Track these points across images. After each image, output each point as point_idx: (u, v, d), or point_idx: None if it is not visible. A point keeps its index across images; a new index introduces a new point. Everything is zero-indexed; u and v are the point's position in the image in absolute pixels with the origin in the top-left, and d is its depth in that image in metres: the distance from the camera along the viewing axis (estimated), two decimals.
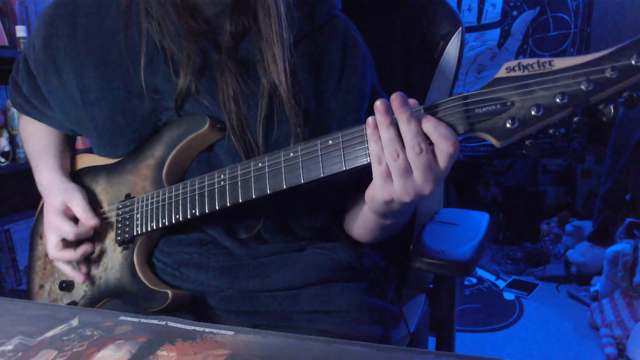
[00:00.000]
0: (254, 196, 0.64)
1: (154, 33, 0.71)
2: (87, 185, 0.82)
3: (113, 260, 0.77)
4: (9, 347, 0.44)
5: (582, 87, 0.46)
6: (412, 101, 0.55)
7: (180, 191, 0.70)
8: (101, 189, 0.80)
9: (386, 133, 0.54)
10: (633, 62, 0.45)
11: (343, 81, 0.74)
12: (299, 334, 0.44)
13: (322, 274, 0.75)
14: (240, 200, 0.65)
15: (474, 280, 2.56)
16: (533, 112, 0.49)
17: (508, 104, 0.50)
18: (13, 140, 2.03)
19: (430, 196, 0.57)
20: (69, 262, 0.78)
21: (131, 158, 0.78)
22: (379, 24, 1.02)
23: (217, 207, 0.67)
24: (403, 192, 0.55)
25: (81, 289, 0.81)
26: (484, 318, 2.20)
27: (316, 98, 0.73)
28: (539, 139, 0.51)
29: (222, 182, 0.67)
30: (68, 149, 0.89)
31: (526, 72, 0.49)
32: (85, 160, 0.86)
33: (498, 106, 0.50)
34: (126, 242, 0.76)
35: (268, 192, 0.63)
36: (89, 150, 0.85)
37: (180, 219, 0.70)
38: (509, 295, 2.40)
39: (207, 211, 0.68)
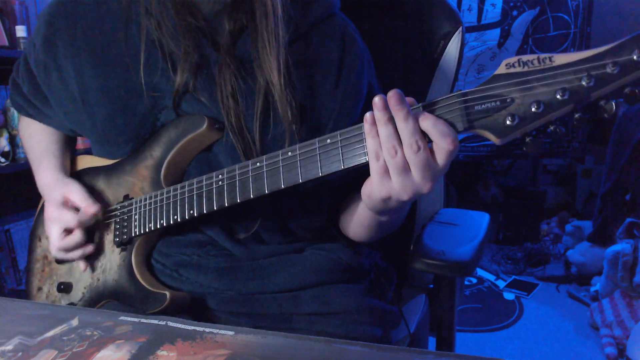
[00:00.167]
0: (252, 196, 0.64)
1: (153, 31, 0.71)
2: (86, 186, 0.82)
3: (111, 261, 0.77)
4: (9, 347, 0.44)
5: (583, 82, 0.46)
6: (409, 99, 0.54)
7: (179, 192, 0.70)
8: (100, 190, 0.80)
9: (384, 129, 0.53)
10: (635, 57, 0.44)
11: (341, 80, 0.74)
12: (299, 334, 0.44)
13: (321, 275, 0.75)
14: (239, 200, 0.65)
15: (474, 280, 2.56)
16: (533, 109, 0.48)
17: (508, 100, 0.49)
18: (13, 140, 2.03)
19: (430, 196, 0.57)
20: (75, 248, 0.77)
21: (130, 159, 0.78)
22: (379, 24, 1.02)
23: (215, 208, 0.67)
24: (401, 190, 0.55)
25: (79, 291, 0.81)
26: (484, 318, 2.20)
27: (312, 96, 0.73)
28: (540, 136, 0.51)
29: (220, 183, 0.67)
30: (68, 150, 0.89)
31: (526, 69, 0.49)
32: (84, 162, 0.86)
33: (498, 103, 0.50)
34: (124, 243, 0.76)
35: (266, 191, 0.63)
36: (88, 151, 0.85)
37: (179, 219, 0.70)
38: (509, 295, 2.40)
39: (205, 212, 0.68)
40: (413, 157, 0.53)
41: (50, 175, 0.82)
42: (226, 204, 0.66)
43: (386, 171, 0.55)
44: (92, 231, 0.79)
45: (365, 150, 0.56)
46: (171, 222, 0.71)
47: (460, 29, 0.96)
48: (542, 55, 0.48)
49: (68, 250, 0.77)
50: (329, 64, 0.74)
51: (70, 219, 0.75)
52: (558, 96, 0.47)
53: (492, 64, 2.74)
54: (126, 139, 0.76)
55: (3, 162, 1.97)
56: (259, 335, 0.44)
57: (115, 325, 0.47)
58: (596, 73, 0.46)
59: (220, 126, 0.72)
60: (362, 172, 0.58)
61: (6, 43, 2.07)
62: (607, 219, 2.36)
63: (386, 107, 0.53)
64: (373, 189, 0.58)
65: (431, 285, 1.05)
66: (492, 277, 2.60)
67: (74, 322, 0.49)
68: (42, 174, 0.83)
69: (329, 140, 0.58)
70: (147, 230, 0.73)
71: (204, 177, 0.68)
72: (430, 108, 0.53)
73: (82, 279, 0.81)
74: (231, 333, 0.45)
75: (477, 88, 0.51)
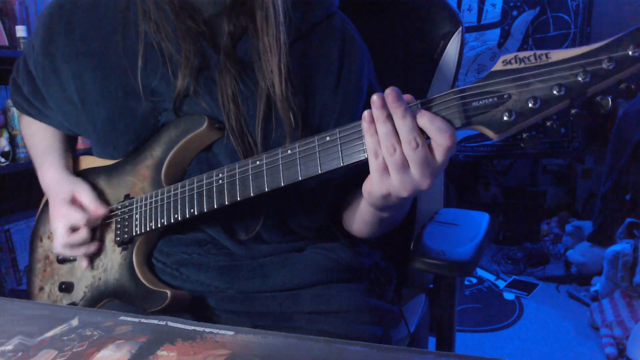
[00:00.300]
0: (252, 194, 0.64)
1: (151, 34, 0.71)
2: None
3: (112, 260, 0.77)
4: (9, 347, 0.44)
5: (579, 78, 0.46)
6: (407, 96, 0.55)
7: (179, 190, 0.70)
8: (100, 190, 0.80)
9: (383, 127, 0.54)
10: (630, 52, 0.44)
11: (341, 80, 0.74)
12: (299, 334, 0.44)
13: (321, 274, 0.75)
14: (239, 199, 0.65)
15: (474, 280, 2.56)
16: (530, 105, 0.48)
17: (505, 96, 0.50)
18: (13, 140, 2.03)
19: (430, 196, 0.57)
20: (81, 245, 0.78)
21: (130, 159, 0.78)
22: (379, 24, 1.02)
23: (215, 206, 0.67)
24: (400, 187, 0.55)
25: (80, 290, 0.81)
26: (484, 318, 2.20)
27: (313, 97, 0.73)
28: (536, 131, 0.51)
29: (220, 181, 0.67)
30: (71, 149, 0.89)
31: (523, 65, 0.49)
32: (85, 162, 0.86)
33: (495, 99, 0.50)
34: (125, 243, 0.76)
35: (266, 189, 0.63)
36: (88, 151, 0.85)
37: (179, 218, 0.70)
38: (509, 295, 2.40)
39: (205, 210, 0.68)
40: (412, 154, 0.53)
41: (55, 172, 0.82)
42: (226, 202, 0.66)
43: (385, 168, 0.55)
44: (94, 230, 0.79)
45: (364, 147, 0.56)
46: (172, 221, 0.71)
47: (460, 29, 0.96)
48: (539, 52, 0.49)
49: (74, 246, 0.77)
50: (329, 64, 0.74)
51: (79, 217, 0.75)
52: (554, 92, 0.47)
53: (492, 64, 2.72)
54: (127, 141, 0.76)
55: (3, 162, 1.97)
56: (259, 335, 0.44)
57: (115, 325, 0.47)
58: (592, 69, 0.46)
59: (220, 126, 0.72)
60: (363, 169, 0.58)
61: (6, 43, 2.07)
62: (607, 219, 2.35)
63: (384, 105, 0.53)
64: (373, 187, 0.58)
65: (431, 285, 1.05)
66: (492, 277, 2.60)
67: (74, 322, 0.49)
68: (46, 171, 0.83)
69: (328, 138, 0.59)
70: (147, 229, 0.73)
71: (204, 175, 0.68)
72: (427, 105, 0.54)
73: (84, 278, 0.81)
74: (231, 333, 0.45)
75: (474, 84, 0.51)
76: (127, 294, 0.75)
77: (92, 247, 0.78)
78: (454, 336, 0.92)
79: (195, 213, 0.68)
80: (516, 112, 0.49)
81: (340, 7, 0.80)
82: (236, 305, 0.74)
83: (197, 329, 0.46)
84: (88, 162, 0.85)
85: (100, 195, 0.80)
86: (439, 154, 0.53)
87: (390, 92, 0.53)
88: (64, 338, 0.45)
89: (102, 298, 0.78)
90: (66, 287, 0.82)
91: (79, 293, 0.81)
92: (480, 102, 0.51)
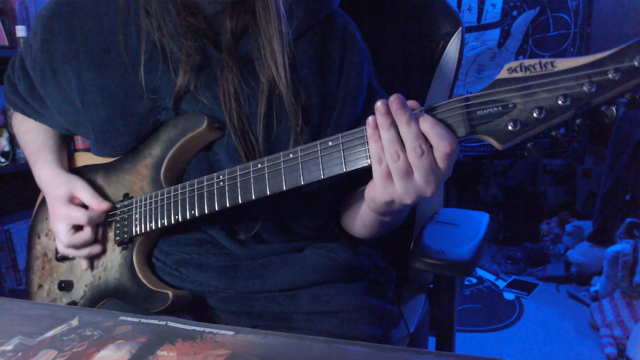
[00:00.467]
0: (253, 197, 0.64)
1: (153, 32, 0.71)
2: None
3: (112, 260, 0.77)
4: (9, 347, 0.44)
5: (585, 88, 0.46)
6: (412, 103, 0.54)
7: (180, 192, 0.70)
8: (98, 188, 0.80)
9: (387, 134, 0.53)
10: (636, 63, 0.44)
11: (342, 77, 0.74)
12: (298, 334, 0.44)
13: (321, 274, 0.75)
14: (240, 201, 0.65)
15: (474, 280, 2.56)
16: (535, 115, 0.48)
17: (510, 105, 0.49)
18: (13, 140, 2.02)
19: (426, 198, 0.56)
20: (84, 246, 0.77)
21: (129, 157, 0.78)
22: (379, 23, 1.02)
23: (216, 208, 0.67)
24: (404, 194, 0.55)
25: (80, 289, 0.81)
26: (484, 318, 2.20)
27: (314, 95, 0.73)
28: (540, 140, 0.51)
29: (221, 183, 0.67)
30: (65, 146, 0.89)
31: (528, 73, 0.49)
32: (82, 159, 0.86)
33: (500, 108, 0.50)
34: (125, 242, 0.76)
35: (268, 193, 0.63)
36: (88, 150, 0.85)
37: (180, 219, 0.70)
38: (509, 295, 2.40)
39: (206, 212, 0.68)
40: (416, 161, 0.53)
41: (50, 171, 0.81)
42: (227, 205, 0.66)
43: (389, 175, 0.55)
44: (96, 229, 0.79)
45: (367, 154, 0.56)
46: (172, 221, 0.71)
47: (460, 29, 0.96)
48: (544, 60, 0.48)
49: (77, 247, 0.77)
50: (330, 62, 0.74)
51: (80, 216, 0.75)
52: (560, 102, 0.47)
53: (492, 64, 2.74)
54: (126, 140, 0.76)
55: (3, 162, 1.97)
56: (259, 335, 0.44)
57: (115, 325, 0.47)
58: (598, 79, 0.46)
59: (220, 125, 0.72)
60: (364, 170, 0.58)
61: (6, 43, 2.07)
62: (607, 219, 2.35)
63: (388, 112, 0.53)
64: (376, 193, 0.58)
65: (431, 285, 1.05)
66: (492, 277, 2.60)
67: (74, 322, 0.49)
68: (41, 169, 0.82)
69: (330, 143, 0.58)
70: (148, 229, 0.73)
71: (205, 177, 0.68)
72: (432, 112, 0.53)
73: (83, 277, 0.81)
74: (231, 333, 0.45)
75: (479, 93, 0.51)
76: (128, 294, 0.75)
77: (96, 249, 0.78)
78: (454, 336, 0.92)
79: (196, 214, 0.68)
80: (521, 122, 0.49)
81: (340, 7, 0.80)
82: (236, 306, 0.74)
83: (197, 329, 0.46)
84: (84, 159, 0.85)
85: (99, 193, 0.80)
86: (441, 161, 0.53)
87: (394, 99, 0.52)
88: (64, 338, 0.45)
89: (102, 297, 0.78)
90: (66, 286, 0.82)
91: (78, 292, 0.81)
92: (485, 111, 0.50)
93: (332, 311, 0.73)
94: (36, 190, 0.87)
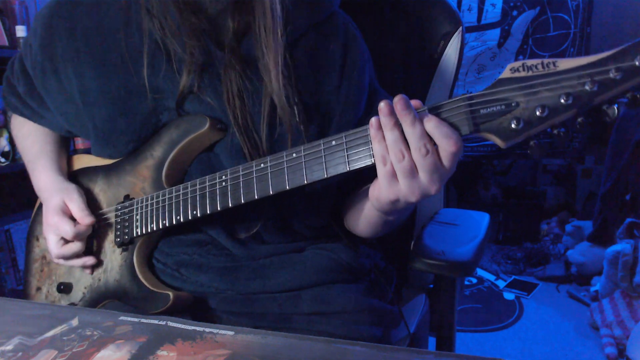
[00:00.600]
0: (256, 197, 0.64)
1: (155, 31, 0.71)
2: (85, 186, 0.82)
3: (112, 261, 0.77)
4: (9, 347, 0.44)
5: (587, 87, 0.47)
6: (416, 102, 0.55)
7: (181, 192, 0.70)
8: (99, 189, 0.80)
9: (390, 134, 0.54)
10: (637, 63, 0.45)
11: (344, 77, 0.74)
12: (299, 334, 0.44)
13: (321, 275, 0.75)
14: (243, 201, 0.65)
15: (474, 280, 2.56)
16: (538, 113, 0.49)
17: (513, 104, 0.50)
18: (13, 140, 2.02)
19: (430, 196, 0.57)
20: (74, 256, 0.77)
21: (130, 159, 0.78)
22: (380, 23, 1.02)
23: (219, 208, 0.67)
24: (409, 192, 0.55)
25: (80, 291, 0.81)
26: (484, 318, 2.20)
27: (316, 95, 0.73)
28: (543, 139, 0.52)
29: (223, 183, 0.67)
30: (64, 150, 0.88)
31: (530, 73, 0.49)
32: (82, 161, 0.85)
33: (503, 107, 0.50)
34: (125, 244, 0.76)
35: (271, 192, 0.63)
36: (88, 151, 0.85)
37: (181, 219, 0.70)
38: (509, 295, 2.40)
39: (208, 212, 0.68)
40: (421, 160, 0.53)
41: (48, 178, 0.81)
42: (230, 205, 0.66)
43: (394, 175, 0.55)
44: (90, 238, 0.79)
45: (371, 153, 0.56)
46: (174, 222, 0.70)
47: (460, 29, 0.96)
48: (546, 60, 0.49)
49: (67, 258, 0.77)
50: (331, 62, 0.74)
51: (67, 230, 0.74)
52: (562, 100, 0.48)
53: (492, 64, 2.74)
54: (127, 140, 0.76)
55: (3, 162, 1.97)
56: (259, 335, 0.44)
57: (115, 325, 0.47)
58: (599, 78, 0.46)
59: (222, 126, 0.72)
60: (366, 170, 0.58)
61: (6, 43, 2.07)
62: (607, 219, 2.35)
63: (392, 113, 0.53)
64: (381, 192, 0.58)
65: (431, 285, 1.05)
66: (492, 277, 2.60)
67: (74, 322, 0.49)
68: (39, 176, 0.82)
69: (334, 142, 0.58)
70: (149, 230, 0.73)
71: (207, 177, 0.68)
72: (436, 111, 0.54)
73: (82, 279, 0.81)
74: (231, 333, 0.45)
75: (483, 92, 0.52)
76: (129, 295, 0.75)
77: (90, 261, 0.77)
78: (454, 336, 0.92)
79: (198, 215, 0.68)
80: (524, 120, 0.50)
81: (340, 7, 0.80)
82: (236, 306, 0.74)
83: (197, 329, 0.46)
84: (86, 161, 0.85)
85: (99, 195, 0.80)
86: (446, 159, 0.54)
87: (399, 100, 0.53)
88: (64, 338, 0.45)
89: (102, 299, 0.78)
90: (65, 288, 0.81)
91: (78, 294, 0.81)
92: (489, 110, 0.51)
93: (333, 312, 0.73)
94: None
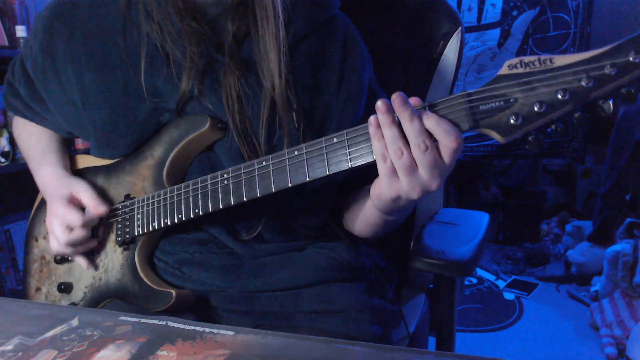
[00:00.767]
0: (258, 194, 0.64)
1: (154, 35, 0.71)
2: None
3: (113, 261, 0.77)
4: (9, 347, 0.44)
5: (583, 83, 0.48)
6: (415, 100, 0.55)
7: (183, 191, 0.70)
8: (99, 189, 0.80)
9: (389, 132, 0.54)
10: (631, 58, 0.46)
11: (343, 80, 0.74)
12: (299, 334, 0.44)
13: (322, 274, 0.75)
14: (245, 199, 0.65)
15: (474, 280, 2.56)
16: (536, 108, 0.50)
17: (511, 100, 0.51)
18: (13, 140, 2.02)
19: (430, 196, 0.57)
20: (79, 244, 0.77)
21: (130, 158, 0.78)
22: (379, 23, 1.02)
23: (221, 207, 0.67)
24: (410, 189, 0.56)
25: (80, 291, 0.81)
26: (484, 318, 2.20)
27: (315, 98, 0.73)
28: (541, 135, 0.52)
29: (225, 182, 0.67)
30: (67, 149, 0.89)
31: (528, 69, 0.50)
32: (83, 162, 0.86)
33: (501, 103, 0.51)
34: (127, 243, 0.76)
35: (273, 190, 0.63)
36: (88, 151, 0.85)
37: (183, 218, 0.70)
38: (509, 295, 2.40)
39: (210, 210, 0.68)
40: (421, 157, 0.54)
41: (55, 172, 0.81)
42: (232, 203, 0.66)
43: (394, 172, 0.56)
44: (93, 229, 0.79)
45: (372, 150, 0.57)
46: (175, 221, 0.71)
47: (460, 29, 0.96)
48: (543, 57, 0.50)
49: (75, 245, 0.76)
50: (331, 64, 0.74)
51: (74, 218, 0.74)
52: (559, 96, 0.49)
53: (492, 64, 2.74)
54: (127, 141, 0.76)
55: (3, 162, 1.97)
56: (259, 335, 0.44)
57: (115, 325, 0.47)
58: (595, 74, 0.47)
59: (222, 125, 0.72)
60: (366, 169, 0.59)
61: (6, 43, 2.07)
62: (607, 219, 2.35)
63: (389, 110, 0.54)
64: (382, 190, 0.58)
65: (431, 285, 1.05)
66: (492, 277, 2.60)
67: (74, 322, 0.49)
68: (44, 171, 0.82)
69: (335, 139, 0.59)
70: (150, 229, 0.73)
71: (209, 176, 0.68)
72: (435, 108, 0.54)
73: (83, 278, 0.81)
74: (231, 333, 0.45)
75: (482, 88, 0.52)
76: (130, 294, 0.75)
77: (92, 244, 0.78)
78: (454, 336, 0.92)
79: (200, 213, 0.68)
80: (522, 116, 0.51)
81: (341, 7, 0.80)
82: (238, 305, 0.74)
83: (197, 329, 0.46)
84: (86, 161, 0.85)
85: (100, 195, 0.80)
86: (446, 156, 0.54)
87: (396, 97, 0.53)
88: (64, 338, 0.45)
89: (103, 298, 0.78)
90: (65, 288, 0.81)
91: (78, 294, 0.81)
92: (487, 106, 0.52)
93: (334, 310, 0.73)
94: (36, 190, 0.86)
